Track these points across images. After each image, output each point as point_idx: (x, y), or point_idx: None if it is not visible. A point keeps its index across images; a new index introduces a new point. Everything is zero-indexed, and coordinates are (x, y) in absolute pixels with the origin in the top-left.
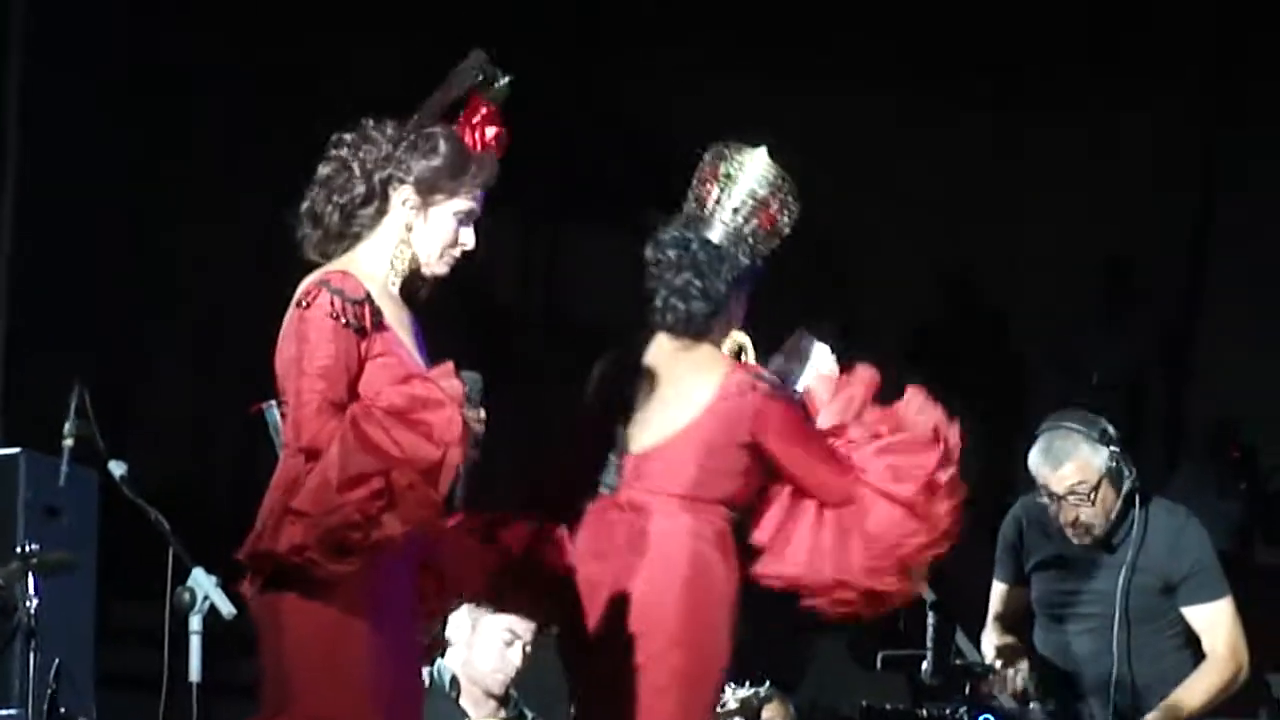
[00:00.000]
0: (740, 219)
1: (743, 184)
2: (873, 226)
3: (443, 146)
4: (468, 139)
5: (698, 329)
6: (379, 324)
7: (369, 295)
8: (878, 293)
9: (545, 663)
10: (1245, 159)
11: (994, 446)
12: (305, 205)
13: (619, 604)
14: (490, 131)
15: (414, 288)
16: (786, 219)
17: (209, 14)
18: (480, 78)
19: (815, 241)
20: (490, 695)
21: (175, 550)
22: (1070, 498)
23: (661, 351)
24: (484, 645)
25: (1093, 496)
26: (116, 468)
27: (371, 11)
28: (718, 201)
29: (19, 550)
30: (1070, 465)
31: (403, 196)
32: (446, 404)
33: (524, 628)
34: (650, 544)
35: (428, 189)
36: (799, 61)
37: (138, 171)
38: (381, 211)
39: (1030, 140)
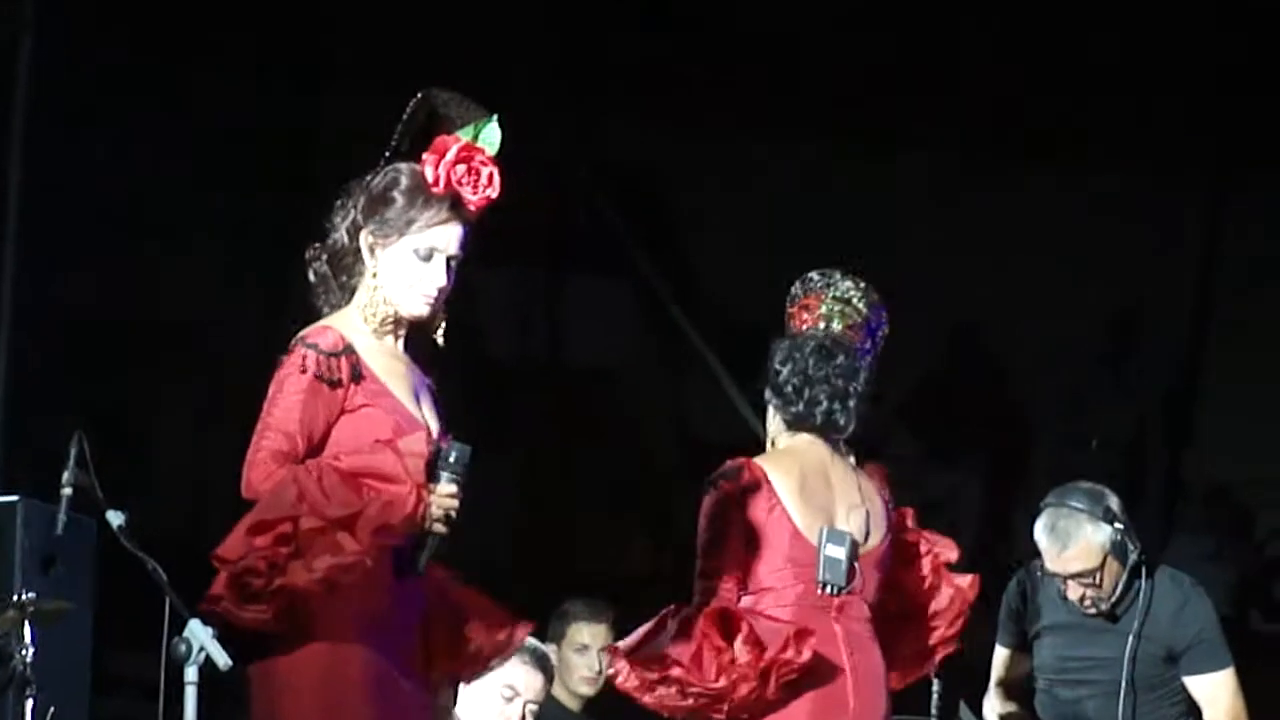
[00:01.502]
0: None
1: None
2: (874, 278)
3: (391, 185)
4: (431, 175)
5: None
6: (359, 376)
7: (348, 348)
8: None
9: None
10: (1248, 217)
11: (995, 508)
12: (310, 260)
13: None
14: (460, 170)
15: (411, 335)
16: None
17: (219, 65)
18: (431, 117)
19: None
20: None
21: (172, 601)
22: (1077, 580)
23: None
24: (481, 699)
25: (1097, 577)
26: (115, 517)
27: (367, 64)
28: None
29: (15, 598)
30: (1074, 549)
31: (366, 240)
32: (404, 482)
33: (528, 685)
34: None
35: (381, 229)
36: (797, 112)
37: (141, 220)
38: (359, 259)
39: (1031, 195)
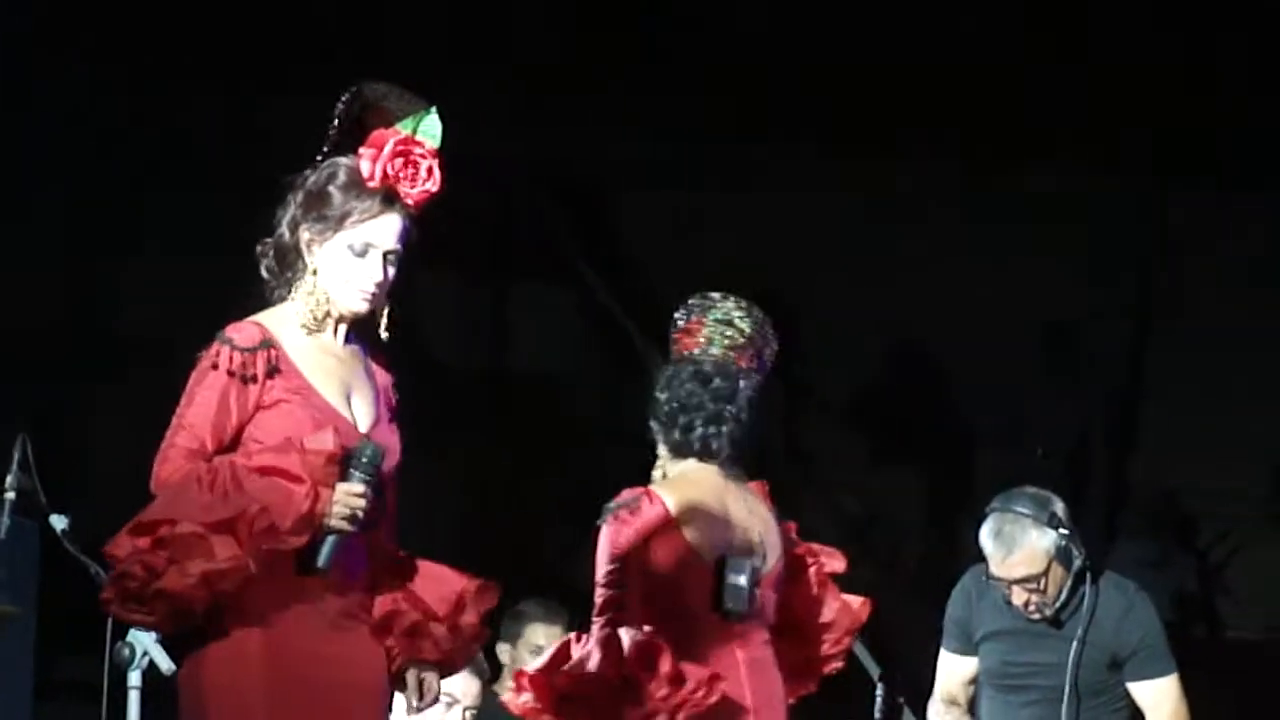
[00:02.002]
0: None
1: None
2: (817, 291)
3: (328, 181)
4: (367, 170)
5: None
6: (275, 371)
7: (266, 342)
8: (822, 358)
9: None
10: (1188, 225)
11: (939, 515)
12: (259, 257)
13: None
14: (398, 163)
15: (357, 330)
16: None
17: (162, 69)
18: (366, 110)
19: (760, 301)
20: None
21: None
22: (1021, 585)
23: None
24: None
25: (1041, 583)
26: (58, 521)
27: (313, 66)
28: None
29: None
30: (1018, 554)
31: (304, 236)
32: (303, 479)
33: (465, 691)
34: None
35: (318, 225)
36: (742, 118)
37: (78, 221)
38: (299, 254)
39: (974, 204)
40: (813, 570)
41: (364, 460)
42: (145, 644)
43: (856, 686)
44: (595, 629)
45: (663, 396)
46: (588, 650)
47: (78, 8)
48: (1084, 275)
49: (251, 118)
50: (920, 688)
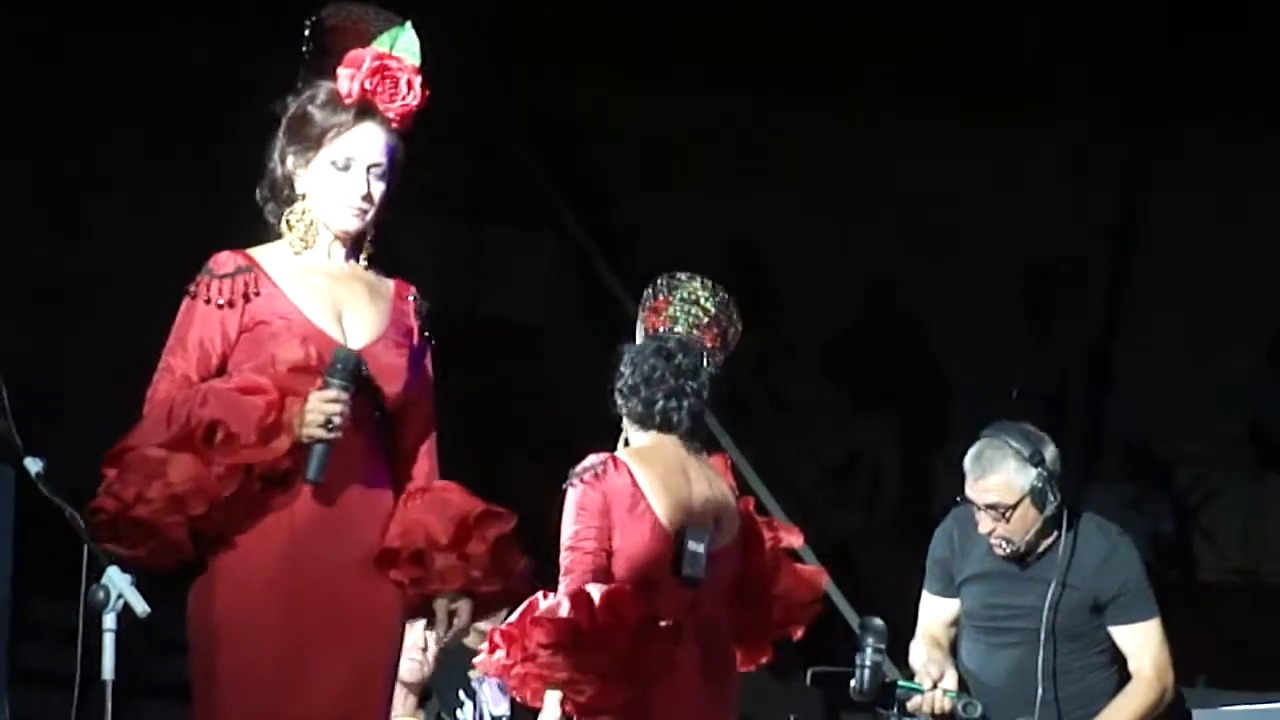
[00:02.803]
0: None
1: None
2: (792, 235)
3: (308, 102)
4: (345, 88)
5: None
6: (254, 294)
7: (244, 268)
8: (797, 303)
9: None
10: (1166, 166)
11: (914, 458)
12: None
13: None
14: (375, 79)
15: (352, 248)
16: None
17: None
18: (336, 31)
19: (734, 251)
20: (410, 694)
21: (90, 548)
22: (988, 511)
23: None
24: None
25: (1008, 515)
26: (33, 464)
27: (288, 12)
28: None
29: None
30: (993, 479)
31: (291, 163)
32: (269, 390)
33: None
34: None
35: (301, 147)
36: (717, 64)
37: (56, 161)
38: (289, 183)
39: (954, 144)
40: (769, 543)
41: (338, 367)
42: (120, 586)
43: (829, 627)
44: (562, 588)
45: (627, 371)
46: (557, 601)
47: None
48: (1059, 220)
49: (224, 58)
50: (898, 630)
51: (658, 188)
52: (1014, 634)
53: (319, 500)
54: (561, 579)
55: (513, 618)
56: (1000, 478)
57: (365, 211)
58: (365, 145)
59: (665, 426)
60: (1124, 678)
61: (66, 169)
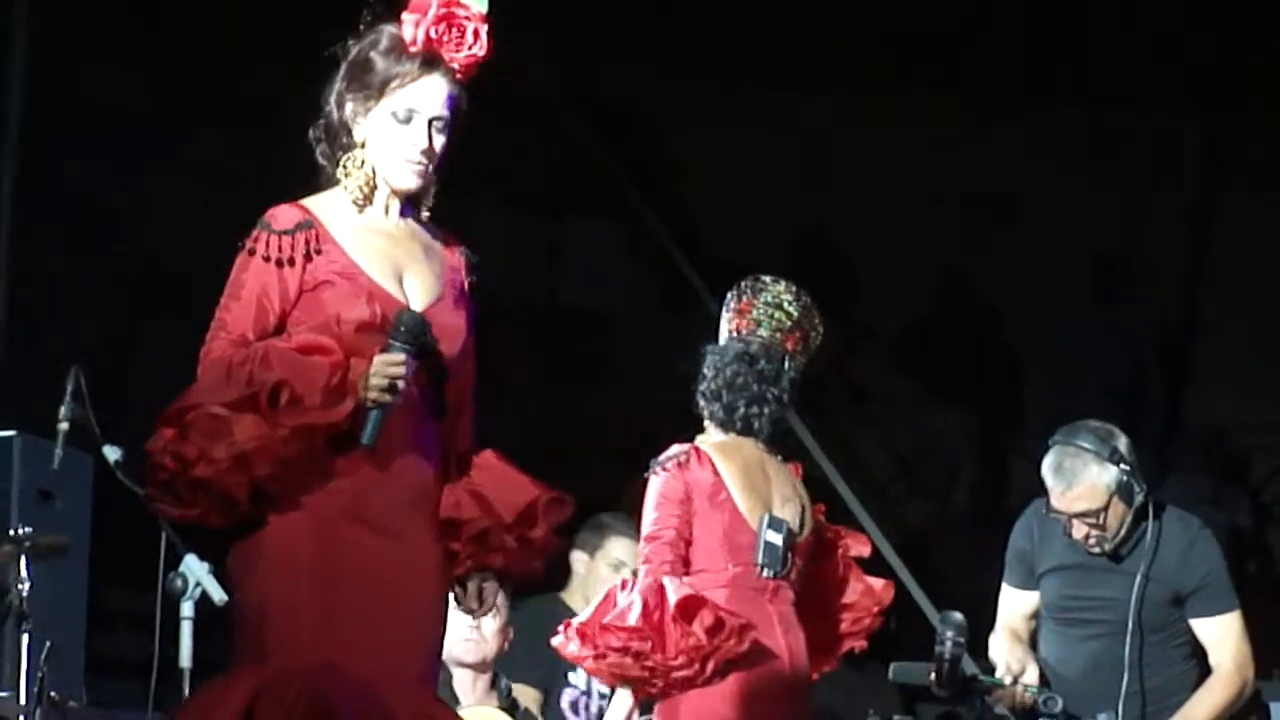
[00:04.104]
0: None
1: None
2: (868, 227)
3: (370, 48)
4: (410, 34)
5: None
6: (316, 252)
7: (303, 224)
8: (873, 294)
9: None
10: (1243, 156)
11: (990, 450)
12: (313, 141)
13: None
14: (441, 27)
15: (412, 205)
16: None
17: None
18: None
19: (810, 242)
20: (479, 676)
21: (168, 536)
22: (1080, 519)
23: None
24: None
25: (1101, 517)
26: (111, 452)
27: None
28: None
29: (12, 533)
30: (1079, 488)
31: (350, 110)
32: (333, 351)
33: (503, 599)
34: None
35: (361, 95)
36: (790, 58)
37: (137, 157)
38: (346, 130)
39: (1029, 134)
40: (839, 552)
41: (401, 330)
42: (198, 574)
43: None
44: (641, 575)
45: (710, 374)
46: (631, 600)
47: None
48: (1136, 211)
49: (295, 50)
50: (975, 621)
51: (731, 176)
52: (1096, 626)
53: (375, 460)
54: (640, 566)
55: (589, 610)
56: (1085, 485)
57: (425, 166)
58: (428, 97)
59: (746, 432)
60: (1204, 671)
61: (142, 163)
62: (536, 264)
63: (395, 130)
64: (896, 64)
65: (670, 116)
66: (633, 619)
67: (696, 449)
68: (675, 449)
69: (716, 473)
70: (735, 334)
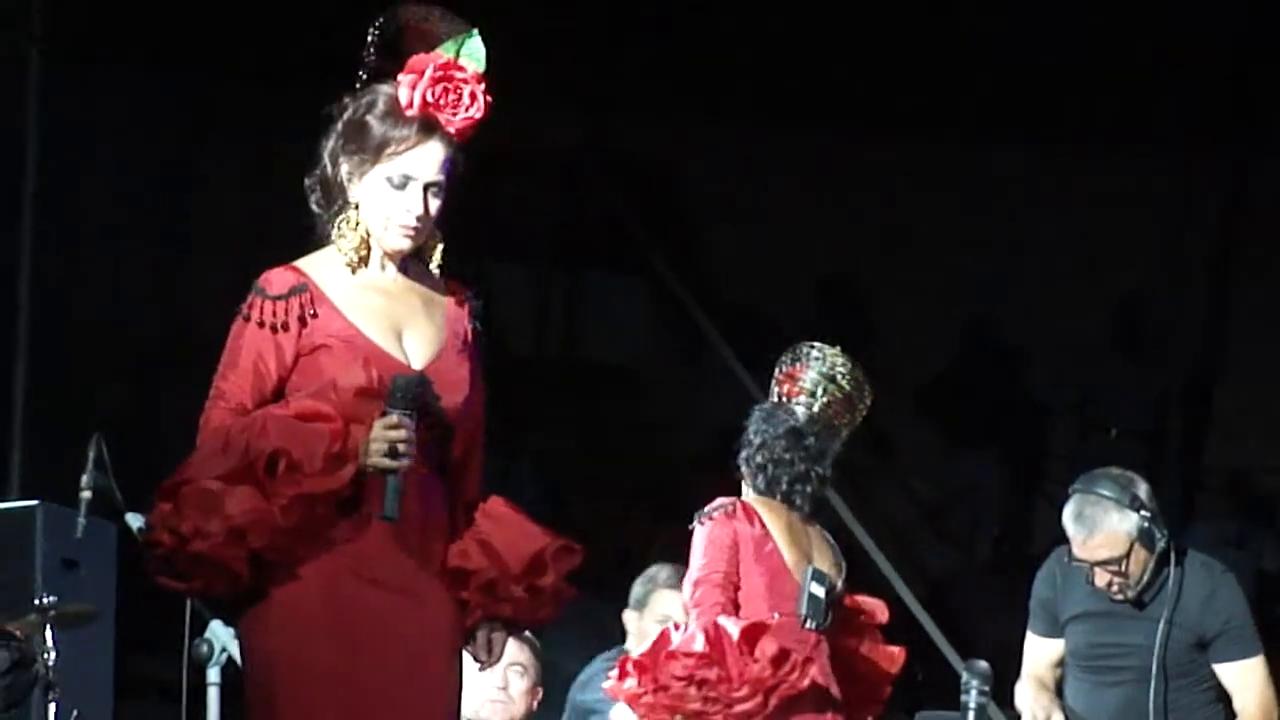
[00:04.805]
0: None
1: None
2: (890, 271)
3: (366, 110)
4: (405, 98)
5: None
6: (312, 315)
7: (298, 288)
8: (894, 338)
9: None
10: (1264, 195)
11: (1013, 495)
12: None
13: None
14: (437, 90)
15: (413, 256)
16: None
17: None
18: (400, 33)
19: (832, 287)
20: None
21: (193, 603)
22: (1102, 567)
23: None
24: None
25: (1123, 565)
26: (134, 520)
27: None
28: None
29: (37, 602)
30: (1100, 536)
31: (344, 170)
32: (333, 418)
33: (531, 661)
34: None
35: (357, 157)
36: (813, 107)
37: (157, 219)
38: (341, 189)
39: (1050, 178)
40: (860, 620)
41: (398, 396)
42: (224, 640)
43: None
44: (694, 618)
45: (755, 441)
46: (691, 633)
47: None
48: (1157, 253)
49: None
50: (1000, 669)
51: (751, 225)
52: (1121, 673)
53: (383, 526)
54: (690, 610)
55: (644, 647)
56: (1106, 533)
57: (418, 231)
58: (424, 163)
59: (787, 504)
60: (1230, 715)
61: (170, 229)
62: (555, 319)
63: (390, 195)
64: (915, 107)
65: (688, 167)
66: (698, 646)
67: (742, 503)
68: (721, 501)
69: (763, 525)
70: (785, 399)
